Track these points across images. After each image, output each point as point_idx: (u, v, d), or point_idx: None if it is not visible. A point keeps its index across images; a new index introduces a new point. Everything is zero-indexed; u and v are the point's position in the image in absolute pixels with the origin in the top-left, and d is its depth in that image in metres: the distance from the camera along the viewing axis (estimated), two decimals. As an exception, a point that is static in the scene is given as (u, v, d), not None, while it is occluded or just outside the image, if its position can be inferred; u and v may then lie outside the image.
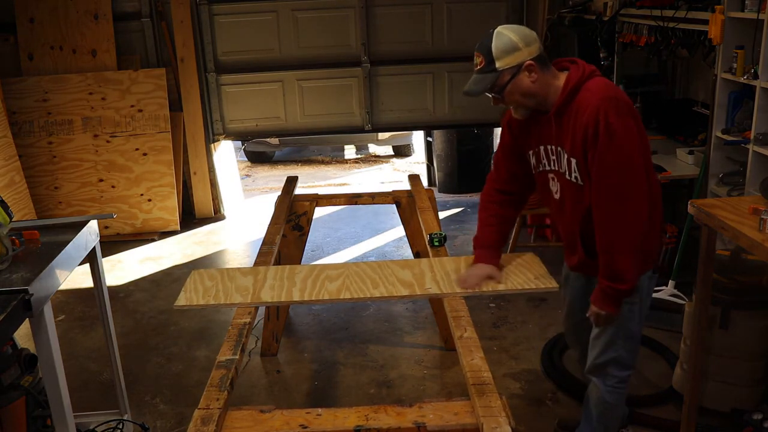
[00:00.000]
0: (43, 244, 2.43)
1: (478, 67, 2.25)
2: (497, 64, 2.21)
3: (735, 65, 3.61)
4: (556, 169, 2.36)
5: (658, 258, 2.46)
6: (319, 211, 4.77)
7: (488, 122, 6.32)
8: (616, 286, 2.25)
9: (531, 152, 2.43)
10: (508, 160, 2.54)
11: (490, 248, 2.55)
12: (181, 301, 2.39)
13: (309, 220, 3.86)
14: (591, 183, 2.23)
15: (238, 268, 2.69)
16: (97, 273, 2.77)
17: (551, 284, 2.42)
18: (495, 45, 2.21)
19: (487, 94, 2.30)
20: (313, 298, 2.40)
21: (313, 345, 3.97)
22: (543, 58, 2.25)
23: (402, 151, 9.07)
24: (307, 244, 3.97)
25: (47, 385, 2.22)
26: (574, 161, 2.25)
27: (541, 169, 2.43)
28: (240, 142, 8.68)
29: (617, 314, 2.33)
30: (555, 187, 2.40)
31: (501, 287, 2.43)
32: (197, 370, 3.70)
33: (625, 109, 2.16)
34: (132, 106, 5.81)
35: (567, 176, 2.32)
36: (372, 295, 2.41)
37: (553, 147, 2.33)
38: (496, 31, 2.24)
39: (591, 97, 2.17)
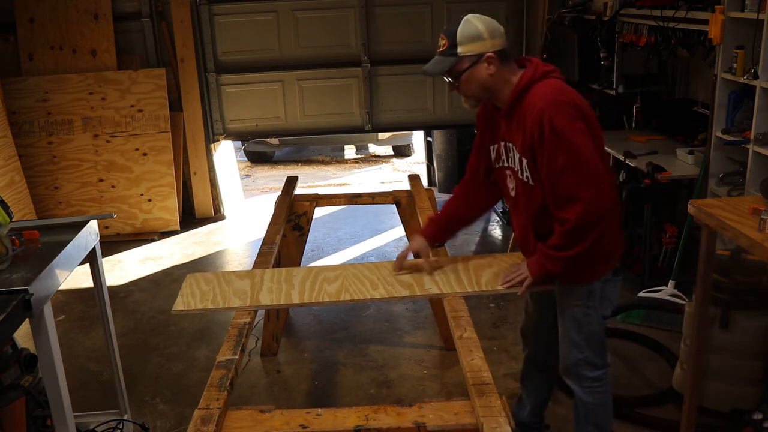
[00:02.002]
0: (43, 244, 2.43)
1: (440, 50, 2.27)
2: (459, 50, 2.22)
3: (735, 65, 3.61)
4: (511, 166, 2.38)
5: (618, 261, 2.42)
6: (319, 211, 4.77)
7: (488, 122, 6.32)
8: (548, 264, 2.27)
9: (492, 147, 2.45)
10: (477, 153, 2.57)
11: (429, 223, 2.70)
12: (179, 305, 2.38)
13: (309, 220, 3.86)
14: (543, 186, 2.23)
15: (234, 272, 2.69)
16: (97, 273, 2.77)
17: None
18: (460, 30, 2.22)
19: (444, 78, 2.30)
20: (313, 301, 2.40)
21: (313, 345, 3.97)
22: (505, 54, 2.26)
23: (402, 151, 9.08)
24: (307, 244, 3.98)
25: (47, 385, 2.22)
26: (525, 161, 2.27)
27: (499, 165, 2.45)
28: (240, 142, 8.68)
29: (535, 280, 2.34)
30: (511, 184, 2.42)
31: (499, 287, 2.43)
32: (197, 370, 3.71)
33: (572, 113, 2.14)
34: (132, 106, 5.81)
35: (519, 175, 2.34)
36: (372, 296, 2.40)
37: (509, 144, 2.35)
38: (465, 17, 2.25)
39: (537, 100, 2.17)
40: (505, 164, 2.41)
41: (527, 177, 2.29)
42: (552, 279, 2.37)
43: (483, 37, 2.21)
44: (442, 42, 2.26)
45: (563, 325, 2.48)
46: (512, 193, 2.44)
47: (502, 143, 2.38)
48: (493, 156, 2.46)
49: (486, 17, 2.27)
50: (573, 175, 2.15)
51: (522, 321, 2.87)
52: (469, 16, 2.25)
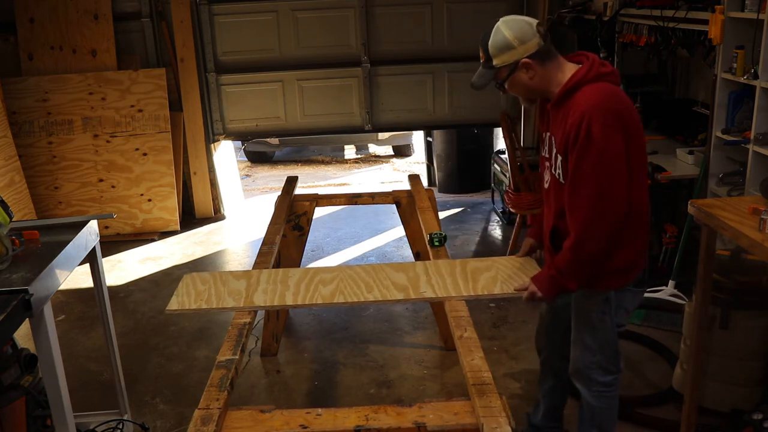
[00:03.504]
0: (43, 244, 2.43)
1: (481, 62, 2.31)
2: (494, 62, 2.25)
3: (735, 65, 3.61)
4: (548, 158, 2.38)
5: (642, 274, 2.41)
6: (319, 211, 4.77)
7: (488, 122, 6.32)
8: (563, 282, 2.27)
9: (542, 136, 2.46)
10: None
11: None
12: (173, 305, 2.38)
13: (309, 220, 3.85)
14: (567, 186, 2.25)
15: (231, 272, 2.69)
16: (97, 273, 2.77)
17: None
18: (491, 42, 2.24)
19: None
20: (307, 302, 2.39)
21: (313, 345, 3.97)
22: (543, 53, 2.23)
23: (402, 151, 9.08)
24: (307, 244, 3.98)
25: (47, 385, 2.22)
26: (560, 158, 2.26)
27: (542, 153, 2.46)
28: (240, 142, 8.68)
29: (550, 302, 2.36)
30: (546, 176, 2.43)
31: (497, 291, 2.42)
32: (197, 370, 3.70)
33: (612, 122, 2.12)
34: (132, 106, 5.81)
35: (553, 170, 2.34)
36: (366, 299, 2.39)
37: (551, 137, 2.35)
38: (496, 25, 2.25)
39: (583, 101, 2.15)
40: (545, 155, 2.42)
41: (559, 174, 2.29)
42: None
43: (513, 45, 2.21)
44: (481, 54, 2.29)
45: (577, 327, 2.48)
46: (545, 185, 2.45)
47: (547, 134, 2.39)
48: (542, 144, 2.47)
49: (517, 20, 2.25)
50: (592, 186, 2.14)
51: (537, 323, 2.85)
52: (499, 24, 2.24)
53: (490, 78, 2.29)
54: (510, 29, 2.22)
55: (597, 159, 2.12)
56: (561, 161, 2.25)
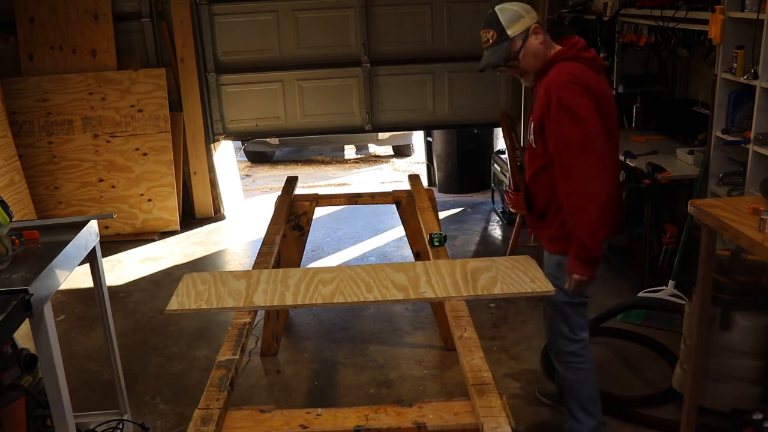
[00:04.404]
0: (43, 244, 2.43)
1: (490, 42, 2.45)
2: (509, 33, 2.41)
3: (735, 65, 3.61)
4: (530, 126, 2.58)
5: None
6: (319, 211, 4.77)
7: (488, 122, 6.32)
8: (591, 255, 2.36)
9: None
10: None
11: None
12: (173, 305, 2.38)
13: (309, 220, 3.86)
14: (544, 153, 2.43)
15: (231, 272, 2.68)
16: (97, 273, 2.77)
17: (547, 288, 2.38)
18: (503, 17, 2.42)
19: (499, 67, 2.49)
20: (306, 302, 2.39)
21: (313, 345, 3.97)
22: (542, 24, 2.46)
23: (402, 151, 9.08)
24: (307, 244, 3.98)
25: (47, 385, 2.22)
26: (532, 124, 2.46)
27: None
28: (240, 142, 8.68)
29: (591, 277, 2.42)
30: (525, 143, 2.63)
31: (497, 291, 2.42)
32: (197, 370, 3.71)
33: (579, 91, 2.28)
34: (132, 106, 5.81)
35: (529, 135, 2.53)
36: (366, 299, 2.39)
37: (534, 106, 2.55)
38: (496, 9, 2.45)
39: (554, 76, 2.35)
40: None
41: (532, 139, 2.49)
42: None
43: (522, 14, 2.44)
44: (489, 35, 2.44)
45: None
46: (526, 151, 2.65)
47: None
48: None
49: (513, 1, 2.49)
50: (575, 147, 2.27)
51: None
52: (498, 7, 2.45)
53: (504, 52, 2.42)
54: (514, 4, 2.45)
55: (573, 121, 2.26)
56: (533, 127, 2.45)
